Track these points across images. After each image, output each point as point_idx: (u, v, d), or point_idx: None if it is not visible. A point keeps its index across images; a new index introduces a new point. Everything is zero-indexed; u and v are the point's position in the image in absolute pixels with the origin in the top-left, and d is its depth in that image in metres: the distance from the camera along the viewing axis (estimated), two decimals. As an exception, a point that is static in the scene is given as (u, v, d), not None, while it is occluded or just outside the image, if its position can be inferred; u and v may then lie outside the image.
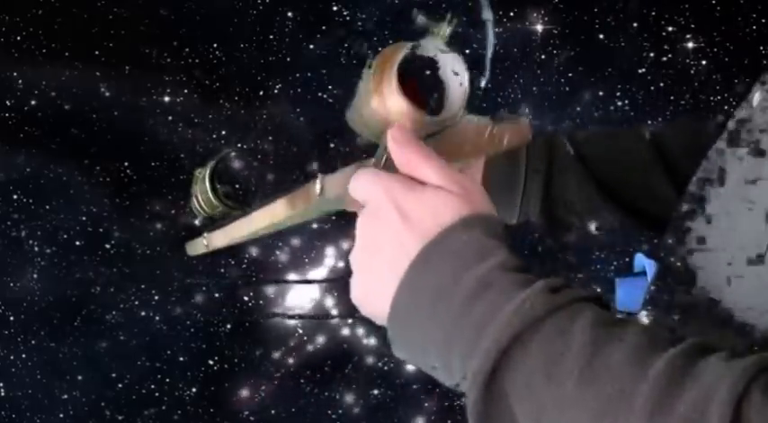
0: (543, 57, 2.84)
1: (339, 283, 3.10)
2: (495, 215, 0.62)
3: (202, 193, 0.94)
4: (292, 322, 3.08)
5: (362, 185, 0.62)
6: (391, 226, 0.60)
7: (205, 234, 0.94)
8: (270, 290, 3.09)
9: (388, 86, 0.63)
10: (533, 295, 0.54)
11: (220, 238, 0.92)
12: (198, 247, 0.96)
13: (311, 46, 2.81)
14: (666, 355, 0.49)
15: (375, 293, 0.61)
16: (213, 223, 0.95)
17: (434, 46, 0.66)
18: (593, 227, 0.86)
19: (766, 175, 0.62)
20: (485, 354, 0.53)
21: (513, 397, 0.52)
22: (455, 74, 0.67)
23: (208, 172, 0.94)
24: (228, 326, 3.06)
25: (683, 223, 0.68)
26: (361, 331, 3.10)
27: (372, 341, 3.10)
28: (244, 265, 3.06)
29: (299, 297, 3.11)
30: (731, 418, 0.46)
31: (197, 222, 0.97)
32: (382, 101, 0.64)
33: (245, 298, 3.06)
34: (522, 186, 0.84)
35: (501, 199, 0.83)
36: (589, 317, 0.53)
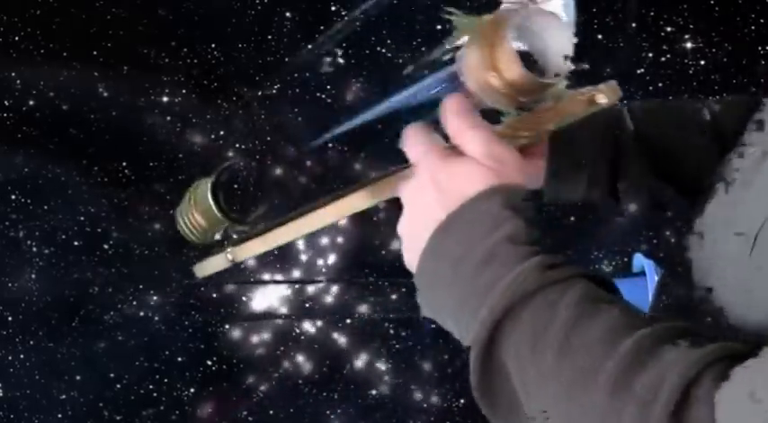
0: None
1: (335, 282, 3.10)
2: (522, 187, 0.64)
3: (202, 211, 0.90)
4: (288, 322, 3.08)
5: (410, 152, 0.67)
6: (426, 196, 0.64)
7: (229, 249, 0.92)
8: (270, 290, 3.09)
9: (505, 52, 0.64)
10: (528, 270, 0.57)
11: (251, 249, 0.90)
12: (216, 264, 0.94)
13: (310, 46, 2.82)
14: (637, 334, 0.51)
15: (413, 255, 0.65)
16: (205, 245, 0.93)
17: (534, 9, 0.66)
18: (645, 205, 0.86)
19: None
20: (481, 323, 0.56)
21: (508, 366, 0.55)
22: (559, 31, 0.68)
23: (210, 187, 0.90)
24: (227, 326, 3.06)
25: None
26: (361, 331, 3.10)
27: (372, 341, 3.10)
28: (243, 266, 3.06)
29: (299, 297, 3.11)
30: (678, 401, 0.47)
31: (195, 241, 0.95)
32: (502, 66, 0.64)
33: (244, 298, 3.06)
34: (589, 168, 0.84)
35: (567, 178, 0.83)
36: (577, 292, 0.55)
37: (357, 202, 0.77)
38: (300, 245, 3.08)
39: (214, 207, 0.90)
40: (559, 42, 0.68)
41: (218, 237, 0.95)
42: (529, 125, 0.70)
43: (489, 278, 0.58)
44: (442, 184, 0.64)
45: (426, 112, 0.71)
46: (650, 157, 0.85)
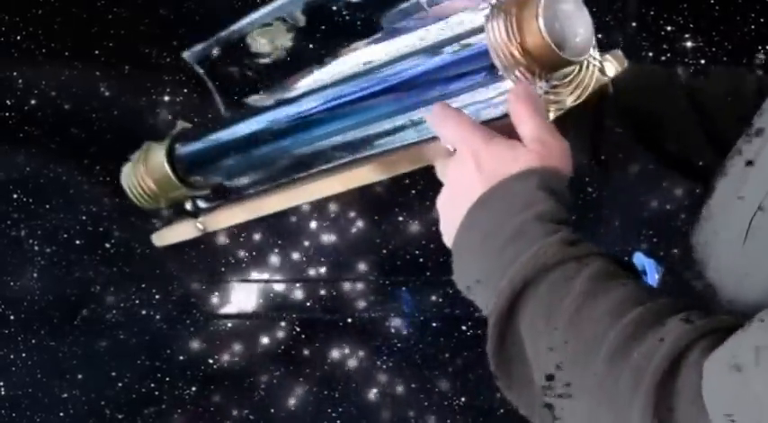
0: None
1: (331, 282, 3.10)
2: (561, 173, 0.66)
3: (156, 177, 0.86)
4: (289, 322, 3.09)
5: (450, 133, 0.69)
6: (467, 173, 0.67)
7: (200, 217, 0.87)
8: (270, 290, 3.10)
9: (532, 25, 0.65)
10: (549, 244, 0.59)
11: (228, 218, 0.86)
12: (181, 232, 0.90)
13: (310, 45, 2.82)
14: (641, 308, 0.54)
15: (451, 228, 0.67)
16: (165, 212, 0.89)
17: None
18: (632, 170, 0.86)
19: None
20: (501, 293, 0.59)
21: (524, 337, 0.58)
22: (580, 15, 0.70)
23: (165, 153, 0.86)
24: (228, 325, 3.06)
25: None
26: (361, 331, 3.11)
27: (373, 341, 3.11)
28: (244, 265, 3.06)
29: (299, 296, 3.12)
30: (666, 369, 0.50)
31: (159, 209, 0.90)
32: (528, 39, 0.66)
33: (244, 297, 3.07)
34: (572, 132, 0.84)
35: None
36: (594, 268, 0.58)
37: (368, 174, 0.76)
38: (300, 244, 3.09)
39: (171, 173, 0.87)
40: (580, 26, 0.70)
41: (163, 204, 0.90)
42: (554, 100, 0.70)
43: (513, 253, 0.60)
44: (484, 164, 0.66)
45: (450, 88, 0.71)
46: (631, 121, 0.86)
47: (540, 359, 0.57)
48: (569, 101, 0.72)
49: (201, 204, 0.88)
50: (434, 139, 0.71)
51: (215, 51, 0.88)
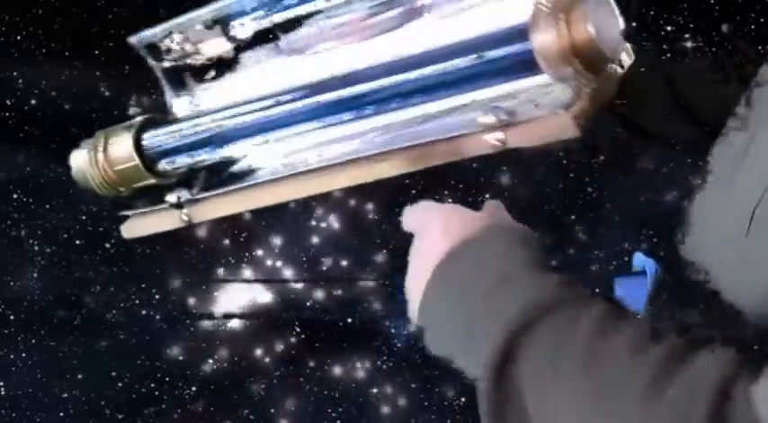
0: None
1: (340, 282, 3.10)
2: (529, 231, 0.66)
3: (120, 166, 0.83)
4: (289, 321, 3.09)
5: (417, 214, 0.69)
6: (433, 233, 0.64)
7: (185, 208, 0.84)
8: (270, 290, 3.10)
9: (582, 30, 0.66)
10: (545, 286, 0.56)
11: (216, 209, 0.83)
12: (159, 223, 0.86)
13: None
14: (667, 343, 0.50)
15: (415, 291, 0.64)
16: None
17: None
18: (632, 169, 0.88)
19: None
20: (495, 341, 0.54)
21: (522, 384, 0.53)
22: (615, 19, 0.71)
23: (133, 140, 0.83)
24: (228, 325, 3.06)
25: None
26: (361, 330, 3.11)
27: (373, 341, 3.10)
28: (244, 264, 3.06)
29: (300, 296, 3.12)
30: (718, 400, 0.46)
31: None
32: (580, 42, 0.66)
33: (246, 297, 3.07)
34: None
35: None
36: (599, 307, 0.54)
37: (387, 169, 0.75)
38: (301, 245, 3.09)
39: (140, 163, 0.85)
40: (615, 26, 0.71)
41: (124, 192, 0.88)
42: (593, 97, 0.70)
43: (503, 298, 0.56)
44: (452, 226, 0.64)
45: (490, 80, 0.71)
46: (669, 88, 0.86)
47: (547, 408, 0.52)
48: (604, 95, 0.72)
49: (186, 194, 0.85)
50: (477, 132, 0.70)
51: (166, 39, 0.87)
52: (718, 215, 0.63)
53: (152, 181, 0.87)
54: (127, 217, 0.89)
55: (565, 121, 0.66)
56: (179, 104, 0.91)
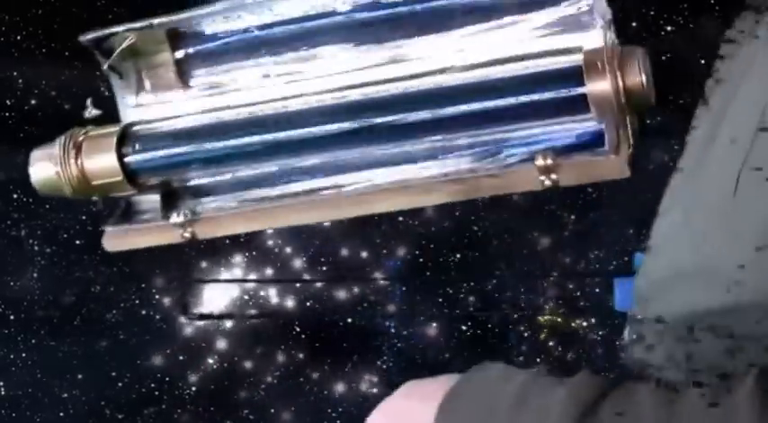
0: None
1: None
2: None
3: (105, 176, 0.78)
4: (289, 321, 3.09)
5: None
6: (400, 408, 0.62)
7: (188, 224, 0.79)
8: (269, 289, 3.10)
9: (636, 79, 0.70)
10: (580, 382, 0.54)
11: (227, 226, 0.80)
12: (152, 238, 0.82)
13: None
14: (743, 390, 0.49)
15: None
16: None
17: None
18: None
19: None
20: None
21: None
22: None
23: (114, 150, 0.76)
24: (228, 324, 3.06)
25: None
26: (361, 330, 3.10)
27: (374, 340, 3.10)
28: (244, 265, 3.06)
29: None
30: None
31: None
32: (632, 88, 0.71)
33: (245, 297, 3.07)
34: None
35: None
36: (646, 386, 0.53)
37: (433, 198, 0.75)
38: (302, 245, 3.09)
39: (123, 177, 0.80)
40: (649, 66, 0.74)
41: (96, 197, 0.84)
42: (632, 132, 0.73)
43: (534, 413, 0.53)
44: (421, 391, 0.61)
45: (537, 117, 0.73)
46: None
47: None
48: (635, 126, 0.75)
49: (190, 210, 0.81)
50: (530, 169, 0.72)
51: (125, 41, 0.84)
52: (702, 184, 0.64)
53: (133, 192, 0.84)
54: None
55: (616, 163, 0.70)
56: (131, 110, 0.88)
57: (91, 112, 0.84)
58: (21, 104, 2.74)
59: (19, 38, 2.71)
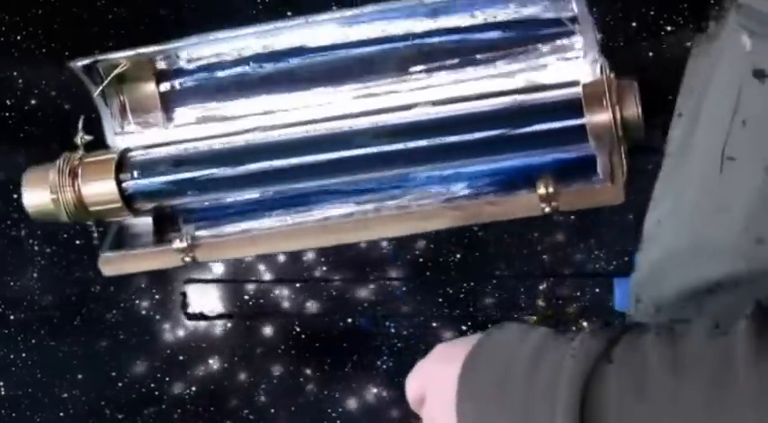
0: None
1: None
2: None
3: (102, 202, 0.79)
4: (289, 321, 3.09)
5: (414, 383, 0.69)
6: (437, 374, 0.63)
7: (188, 249, 0.80)
8: (269, 289, 3.10)
9: (633, 113, 0.77)
10: (589, 334, 0.54)
11: (229, 249, 0.82)
12: (157, 261, 0.84)
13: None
14: (738, 332, 0.50)
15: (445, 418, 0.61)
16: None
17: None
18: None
19: None
20: (567, 397, 0.51)
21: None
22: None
23: (113, 177, 0.79)
24: (228, 324, 3.06)
25: None
26: (361, 329, 3.11)
27: (374, 340, 3.10)
28: (243, 265, 3.06)
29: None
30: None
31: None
32: (630, 121, 0.77)
33: (245, 297, 3.07)
34: None
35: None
36: (649, 336, 0.53)
37: (434, 224, 0.77)
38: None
39: (122, 203, 0.82)
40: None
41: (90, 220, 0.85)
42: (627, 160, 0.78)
43: (549, 366, 0.53)
44: (448, 353, 0.63)
45: (533, 146, 0.75)
46: None
47: None
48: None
49: (191, 235, 0.82)
50: (530, 196, 0.75)
51: (115, 69, 0.84)
52: (689, 166, 0.66)
53: (129, 216, 0.85)
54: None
55: (612, 191, 0.77)
56: (117, 136, 0.89)
57: (83, 137, 0.84)
58: (21, 104, 2.74)
59: (19, 38, 2.71)
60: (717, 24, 0.70)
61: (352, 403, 3.06)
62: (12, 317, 2.83)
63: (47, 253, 2.83)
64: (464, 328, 3.05)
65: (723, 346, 0.50)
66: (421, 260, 3.00)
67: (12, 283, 2.83)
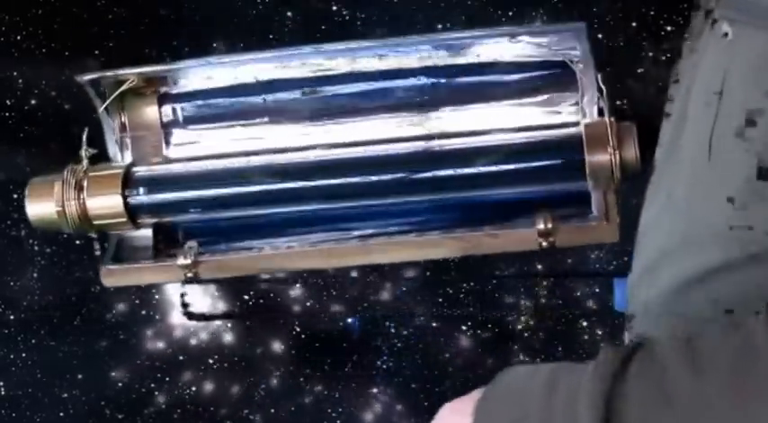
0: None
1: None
2: None
3: (108, 215, 0.79)
4: (289, 321, 3.09)
5: None
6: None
7: (190, 266, 0.80)
8: (268, 289, 3.10)
9: (632, 155, 0.83)
10: (602, 355, 0.56)
11: (233, 266, 0.82)
12: (157, 276, 0.83)
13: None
14: (759, 320, 0.51)
15: None
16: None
17: None
18: None
19: None
20: (590, 419, 0.52)
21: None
22: None
23: (120, 192, 0.79)
24: (229, 324, 3.06)
25: None
26: (362, 329, 3.10)
27: (374, 340, 3.10)
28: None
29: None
30: None
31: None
32: (628, 163, 0.84)
33: (245, 296, 3.07)
34: None
35: None
36: (662, 344, 0.54)
37: (433, 252, 0.79)
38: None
39: (127, 218, 0.83)
40: None
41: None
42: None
43: (565, 394, 0.54)
44: (455, 409, 0.66)
45: (533, 183, 0.78)
46: None
47: None
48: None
49: (193, 250, 0.82)
50: (523, 226, 0.78)
51: (122, 85, 0.84)
52: (679, 158, 0.68)
53: (131, 229, 0.86)
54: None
55: (608, 229, 0.82)
56: (119, 149, 0.90)
57: (87, 151, 0.86)
58: (21, 104, 2.74)
59: (19, 38, 2.71)
60: (703, 21, 0.72)
61: (352, 403, 3.06)
62: (12, 317, 2.83)
63: (47, 253, 2.83)
64: (464, 327, 3.05)
65: (742, 336, 0.49)
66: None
67: (12, 283, 2.83)
